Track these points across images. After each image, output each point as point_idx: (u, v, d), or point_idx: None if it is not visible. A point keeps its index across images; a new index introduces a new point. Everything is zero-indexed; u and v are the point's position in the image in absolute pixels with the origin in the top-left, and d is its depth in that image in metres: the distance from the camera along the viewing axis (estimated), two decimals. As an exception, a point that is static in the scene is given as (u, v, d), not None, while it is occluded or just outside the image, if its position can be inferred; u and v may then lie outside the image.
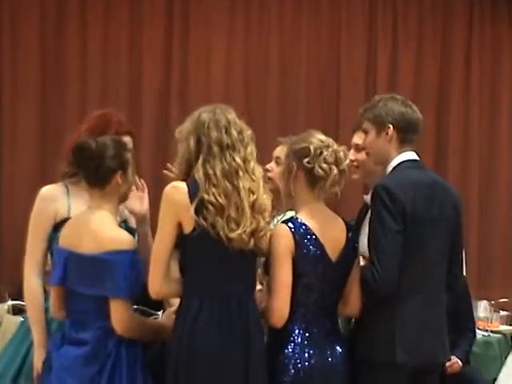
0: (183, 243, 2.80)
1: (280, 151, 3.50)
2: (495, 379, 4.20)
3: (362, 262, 3.04)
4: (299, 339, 2.90)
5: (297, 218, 2.92)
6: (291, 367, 2.88)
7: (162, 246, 2.81)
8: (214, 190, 2.77)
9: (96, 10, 6.13)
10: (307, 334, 2.90)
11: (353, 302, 3.02)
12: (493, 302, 5.58)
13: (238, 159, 2.83)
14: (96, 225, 2.85)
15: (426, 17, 6.68)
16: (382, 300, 2.96)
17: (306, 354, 2.88)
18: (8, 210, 5.89)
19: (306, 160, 2.91)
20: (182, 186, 2.80)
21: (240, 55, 6.33)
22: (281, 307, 2.86)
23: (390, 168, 3.12)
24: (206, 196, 2.76)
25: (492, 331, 5.14)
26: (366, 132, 3.17)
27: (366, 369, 2.99)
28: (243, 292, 2.85)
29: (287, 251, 2.87)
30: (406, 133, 3.11)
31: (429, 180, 3.13)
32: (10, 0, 5.98)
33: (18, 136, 6.00)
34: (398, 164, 3.10)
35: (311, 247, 2.90)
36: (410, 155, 3.13)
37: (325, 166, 2.91)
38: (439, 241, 3.07)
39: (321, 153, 2.91)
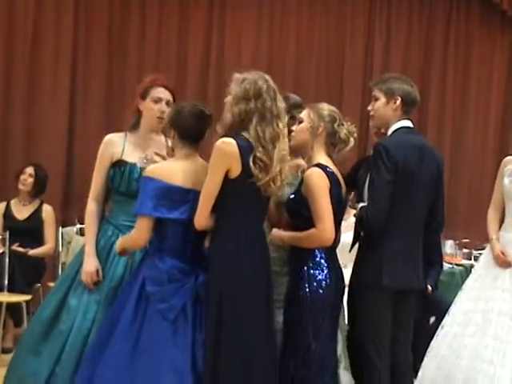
0: (227, 186, 2.70)
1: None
2: (457, 302, 4.21)
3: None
4: (321, 260, 2.86)
5: (323, 164, 2.88)
6: (313, 281, 2.83)
7: (212, 188, 2.69)
8: (262, 150, 2.68)
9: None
10: (326, 256, 2.88)
11: None
12: (457, 242, 5.60)
13: (280, 126, 2.74)
14: None
15: (414, 15, 6.62)
16: (375, 237, 2.93)
17: (326, 273, 2.85)
18: (80, 151, 5.81)
19: (335, 124, 2.92)
20: (232, 141, 2.67)
21: (265, 46, 6.30)
22: (331, 228, 2.80)
23: (390, 131, 3.06)
24: (258, 154, 2.67)
25: (456, 264, 5.17)
26: (376, 99, 3.09)
27: (359, 289, 2.98)
28: (262, 227, 2.81)
29: (327, 187, 2.83)
30: (409, 106, 3.08)
31: (420, 143, 3.09)
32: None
33: (90, 93, 5.91)
34: (397, 129, 3.05)
35: (336, 185, 2.89)
36: (407, 123, 3.08)
37: (346, 133, 2.95)
38: (424, 192, 3.04)
39: (343, 123, 2.95)
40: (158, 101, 3.06)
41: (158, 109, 3.05)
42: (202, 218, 2.69)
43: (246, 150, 2.66)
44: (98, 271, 2.98)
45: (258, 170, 2.66)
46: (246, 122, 2.69)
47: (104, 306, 2.93)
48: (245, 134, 2.69)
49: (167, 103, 3.06)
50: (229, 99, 2.72)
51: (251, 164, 2.66)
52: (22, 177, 5.12)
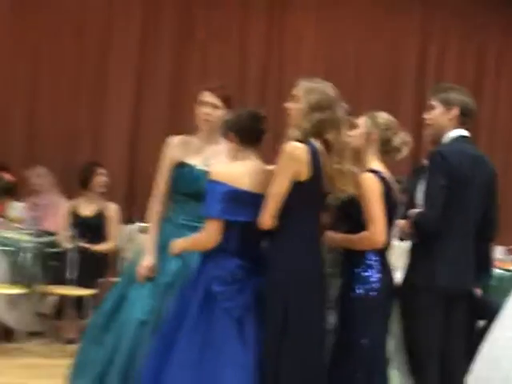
0: (293, 189, 2.72)
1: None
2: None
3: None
4: (373, 262, 2.89)
5: (376, 169, 2.93)
6: (365, 282, 2.87)
7: (280, 190, 2.71)
8: (337, 158, 2.75)
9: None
10: (378, 258, 2.91)
11: None
12: (508, 248, 5.57)
13: (344, 133, 2.81)
14: None
15: (468, 25, 6.57)
16: (429, 240, 2.96)
17: (377, 274, 2.88)
18: (143, 152, 5.96)
19: (390, 132, 2.96)
20: (302, 145, 2.71)
21: (323, 52, 6.38)
22: (383, 231, 2.84)
23: (446, 139, 3.09)
24: (333, 162, 2.74)
25: (505, 269, 5.10)
26: (432, 108, 3.12)
27: (412, 291, 2.99)
28: (318, 228, 2.84)
29: (380, 191, 2.87)
30: (465, 117, 3.11)
31: (474, 152, 3.12)
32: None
33: (154, 96, 6.03)
34: (454, 137, 3.08)
35: (389, 190, 2.93)
36: (463, 132, 3.11)
37: (400, 141, 2.98)
38: (477, 198, 3.04)
39: (397, 132, 2.98)
40: (202, 104, 3.15)
41: (203, 111, 3.14)
42: (268, 219, 2.72)
43: (315, 155, 2.71)
44: (153, 267, 3.07)
45: (334, 177, 2.73)
46: (319, 130, 2.74)
47: (159, 300, 3.02)
48: (313, 141, 2.74)
49: (212, 106, 3.13)
50: (301, 107, 2.75)
51: (327, 171, 2.72)
52: (101, 178, 5.27)
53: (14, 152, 5.85)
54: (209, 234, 2.75)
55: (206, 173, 2.96)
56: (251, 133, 2.84)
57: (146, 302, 3.03)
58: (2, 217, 5.24)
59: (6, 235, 4.93)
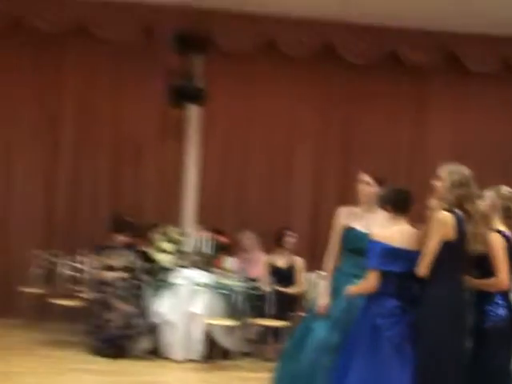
0: (443, 246, 3.26)
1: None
2: None
3: None
4: (499, 301, 3.42)
5: (501, 230, 3.50)
6: (492, 317, 3.41)
7: (433, 247, 3.27)
8: (475, 225, 3.32)
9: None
10: (503, 297, 3.44)
11: None
12: None
13: (477, 203, 3.40)
14: None
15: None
16: None
17: (503, 310, 3.42)
18: (320, 219, 6.99)
19: (510, 202, 3.54)
20: (448, 214, 3.30)
21: (453, 136, 7.20)
22: (507, 277, 3.39)
23: None
24: (472, 227, 3.31)
25: None
26: None
27: None
28: (462, 274, 3.38)
29: (504, 247, 3.43)
30: None
31: None
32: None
33: (328, 176, 7.20)
34: None
35: (509, 245, 3.47)
36: None
37: None
38: None
39: None
40: (361, 182, 3.83)
41: (361, 188, 3.81)
42: (424, 269, 3.28)
43: (460, 221, 3.29)
44: (327, 306, 3.68)
45: (472, 239, 3.29)
46: (460, 202, 3.31)
47: (332, 330, 3.59)
48: (456, 210, 3.31)
49: (368, 184, 3.79)
50: (445, 185, 3.32)
51: (468, 235, 3.25)
52: (290, 239, 6.31)
53: (227, 219, 7.11)
54: (370, 281, 3.34)
55: (367, 234, 3.56)
56: (402, 204, 3.45)
57: (323, 332, 3.60)
58: (220, 268, 6.30)
59: (222, 282, 5.98)
